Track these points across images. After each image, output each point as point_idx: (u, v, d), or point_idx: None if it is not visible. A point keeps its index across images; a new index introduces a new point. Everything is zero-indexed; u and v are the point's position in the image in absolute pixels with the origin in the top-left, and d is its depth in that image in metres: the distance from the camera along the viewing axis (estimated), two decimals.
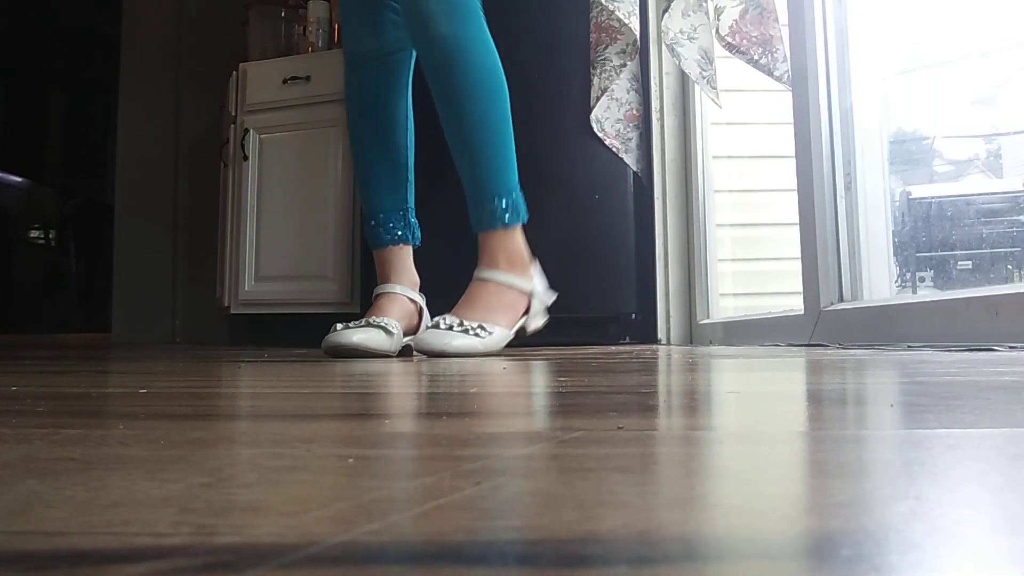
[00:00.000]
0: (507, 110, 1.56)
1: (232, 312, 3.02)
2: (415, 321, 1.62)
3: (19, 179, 7.06)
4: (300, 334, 2.72)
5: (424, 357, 1.45)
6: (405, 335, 1.58)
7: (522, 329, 1.53)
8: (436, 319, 1.47)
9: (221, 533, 0.21)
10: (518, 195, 1.57)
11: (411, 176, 1.70)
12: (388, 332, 1.50)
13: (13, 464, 0.31)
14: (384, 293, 1.61)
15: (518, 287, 1.54)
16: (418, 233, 1.69)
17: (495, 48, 1.57)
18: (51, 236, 7.54)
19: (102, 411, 0.56)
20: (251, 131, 2.95)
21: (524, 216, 1.57)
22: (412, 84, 1.72)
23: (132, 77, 4.14)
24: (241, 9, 3.30)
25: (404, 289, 1.62)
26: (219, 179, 3.40)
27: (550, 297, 1.59)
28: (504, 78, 1.57)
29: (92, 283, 6.98)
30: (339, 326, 1.51)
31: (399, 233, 1.65)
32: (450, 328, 1.43)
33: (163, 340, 3.94)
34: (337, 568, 0.18)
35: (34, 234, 7.41)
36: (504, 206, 1.53)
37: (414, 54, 1.66)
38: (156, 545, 0.20)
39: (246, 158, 2.95)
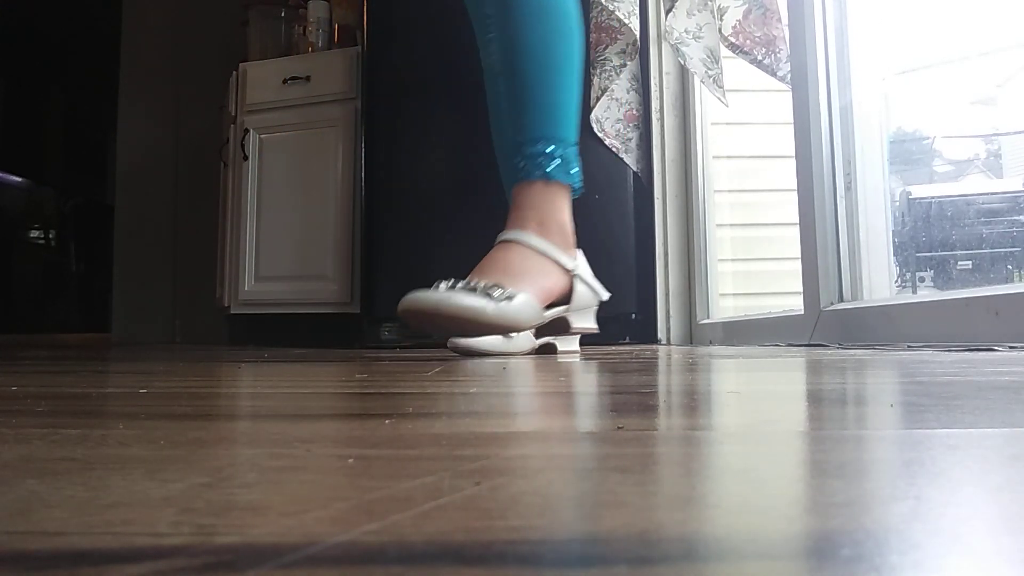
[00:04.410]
0: (574, 48, 1.26)
1: (232, 312, 3.02)
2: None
3: (19, 179, 7.07)
4: (300, 334, 2.72)
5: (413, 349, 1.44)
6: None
7: (564, 322, 1.24)
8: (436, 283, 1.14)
9: (221, 533, 0.21)
10: (571, 151, 1.25)
11: (536, 100, 1.28)
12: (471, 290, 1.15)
13: (13, 464, 0.31)
14: None
15: (553, 257, 1.21)
16: (544, 168, 1.25)
17: None
18: (51, 236, 7.55)
19: (102, 411, 0.55)
20: (251, 131, 2.95)
21: (575, 179, 1.25)
22: None
23: (132, 77, 4.15)
24: (241, 9, 3.30)
25: (511, 233, 1.25)
26: (219, 179, 3.40)
27: (602, 293, 1.29)
28: (579, 16, 1.30)
29: (92, 283, 6.99)
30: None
31: (507, 169, 1.31)
32: (452, 288, 1.11)
33: (163, 340, 3.94)
34: (337, 568, 0.18)
35: (34, 234, 7.42)
36: (548, 151, 1.22)
37: None
38: (156, 545, 0.20)
39: (246, 158, 2.94)
